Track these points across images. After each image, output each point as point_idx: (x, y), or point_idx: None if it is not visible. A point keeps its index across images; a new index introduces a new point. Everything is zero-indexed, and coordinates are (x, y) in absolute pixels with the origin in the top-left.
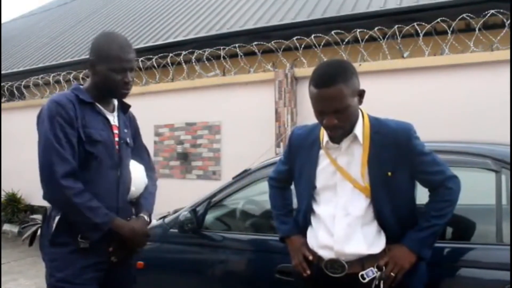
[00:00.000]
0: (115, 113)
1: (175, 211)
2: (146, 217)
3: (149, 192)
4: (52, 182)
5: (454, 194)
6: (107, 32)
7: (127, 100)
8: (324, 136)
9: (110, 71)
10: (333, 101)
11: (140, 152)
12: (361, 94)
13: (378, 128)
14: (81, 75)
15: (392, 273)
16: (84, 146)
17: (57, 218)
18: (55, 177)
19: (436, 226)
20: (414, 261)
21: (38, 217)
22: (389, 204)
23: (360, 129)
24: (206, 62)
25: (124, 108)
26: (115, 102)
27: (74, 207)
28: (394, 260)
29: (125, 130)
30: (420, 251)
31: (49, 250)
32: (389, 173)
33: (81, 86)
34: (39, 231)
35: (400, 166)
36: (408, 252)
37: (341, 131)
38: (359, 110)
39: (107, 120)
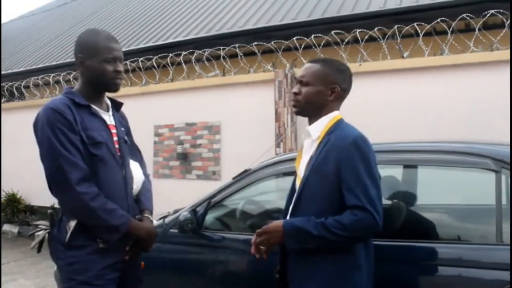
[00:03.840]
0: (110, 113)
1: (175, 211)
2: (150, 217)
3: (147, 189)
4: (68, 191)
5: (354, 223)
6: (89, 29)
7: (120, 99)
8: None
9: (101, 62)
10: (304, 71)
11: (133, 150)
12: (333, 90)
13: (333, 130)
14: None
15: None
16: (88, 149)
17: (72, 222)
18: (71, 185)
19: (316, 232)
20: (280, 240)
21: (43, 222)
22: (310, 201)
23: (316, 127)
24: (206, 62)
25: (116, 107)
26: (108, 101)
27: (92, 212)
28: (265, 231)
29: (122, 129)
30: (286, 235)
31: (64, 254)
32: (322, 175)
33: (73, 89)
34: (46, 237)
35: (334, 172)
36: (281, 229)
37: (297, 103)
38: (333, 113)
39: (104, 120)
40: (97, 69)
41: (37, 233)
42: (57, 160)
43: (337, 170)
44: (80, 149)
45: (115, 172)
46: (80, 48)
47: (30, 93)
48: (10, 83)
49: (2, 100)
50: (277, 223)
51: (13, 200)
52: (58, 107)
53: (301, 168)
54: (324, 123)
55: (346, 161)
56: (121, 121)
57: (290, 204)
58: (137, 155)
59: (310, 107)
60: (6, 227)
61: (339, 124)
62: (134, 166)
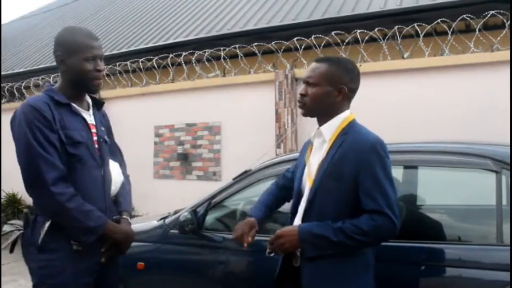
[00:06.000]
0: (91, 111)
1: (176, 212)
2: (129, 219)
3: (126, 190)
4: (43, 191)
5: (373, 229)
6: (68, 26)
7: (120, 99)
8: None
9: (82, 61)
10: (311, 72)
11: (113, 150)
12: (341, 90)
13: (347, 131)
14: None
15: (274, 248)
16: (66, 148)
17: (47, 224)
18: (46, 185)
19: (336, 239)
20: (295, 246)
21: (17, 222)
22: (324, 205)
23: (328, 128)
24: (206, 62)
25: (98, 105)
26: (89, 100)
27: (68, 213)
28: (279, 235)
29: (102, 128)
30: (303, 242)
31: (37, 257)
32: (337, 178)
33: (53, 87)
34: (19, 237)
35: (350, 175)
36: (296, 235)
37: (304, 105)
38: (345, 113)
39: (84, 119)
40: (77, 68)
41: (10, 233)
42: (33, 159)
43: (355, 174)
44: (57, 148)
45: (93, 173)
46: (60, 47)
47: (31, 93)
48: (10, 84)
49: (3, 101)
50: (293, 228)
51: (13, 200)
52: (37, 104)
53: (312, 169)
54: (336, 123)
55: (365, 166)
56: (102, 120)
57: (298, 202)
58: (117, 155)
59: (318, 109)
60: (6, 227)
61: (352, 125)
62: (113, 166)
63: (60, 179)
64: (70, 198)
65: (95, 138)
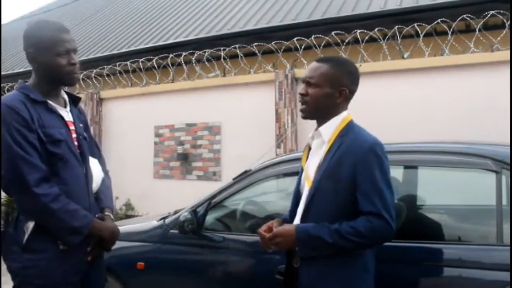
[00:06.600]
0: (68, 108)
1: (176, 212)
2: (111, 216)
3: (107, 186)
4: (26, 193)
5: (370, 230)
6: (36, 21)
7: (120, 99)
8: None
9: (54, 56)
10: (312, 72)
11: (91, 146)
12: (342, 92)
13: (345, 132)
14: (81, 76)
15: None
16: (47, 147)
17: (31, 223)
18: (28, 187)
19: (331, 240)
20: (292, 246)
21: None
22: (322, 206)
23: (327, 129)
24: (206, 63)
25: (74, 102)
26: (65, 96)
27: (53, 214)
28: (277, 234)
29: (80, 125)
30: (300, 242)
31: (21, 257)
32: (336, 180)
33: (27, 84)
34: None
35: (349, 177)
36: (293, 235)
37: (306, 107)
38: (343, 114)
39: (62, 117)
40: (51, 64)
41: None
42: (13, 161)
43: (352, 176)
44: (37, 148)
45: (76, 171)
46: (30, 44)
47: None
48: (10, 84)
49: None
50: (290, 228)
51: (13, 200)
52: (13, 104)
53: (310, 171)
54: (335, 124)
55: (363, 168)
56: (79, 116)
57: (297, 205)
58: (95, 151)
59: (318, 110)
60: None
61: (351, 126)
62: (93, 163)
63: (42, 179)
64: (54, 198)
65: (74, 135)
